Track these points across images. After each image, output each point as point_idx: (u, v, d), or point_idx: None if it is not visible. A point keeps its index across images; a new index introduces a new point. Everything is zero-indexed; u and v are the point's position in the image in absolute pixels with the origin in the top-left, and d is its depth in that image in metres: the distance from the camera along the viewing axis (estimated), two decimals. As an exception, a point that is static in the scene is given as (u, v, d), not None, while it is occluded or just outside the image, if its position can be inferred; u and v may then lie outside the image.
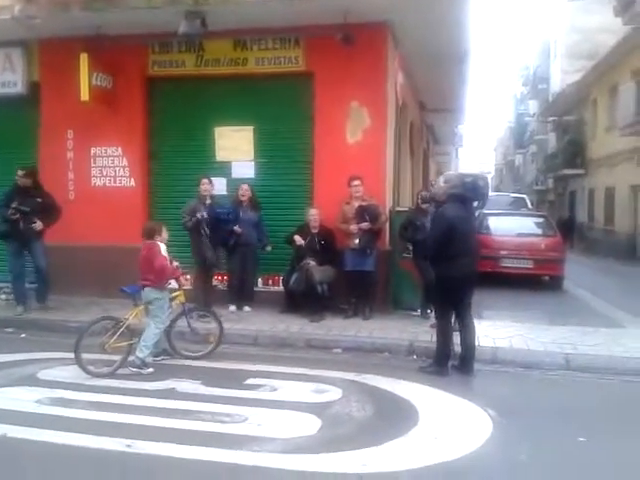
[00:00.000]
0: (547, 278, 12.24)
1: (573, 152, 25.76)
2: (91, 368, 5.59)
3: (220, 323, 6.39)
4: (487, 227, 12.54)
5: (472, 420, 4.64)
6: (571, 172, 26.16)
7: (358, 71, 8.05)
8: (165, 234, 6.09)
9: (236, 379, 5.57)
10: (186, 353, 6.26)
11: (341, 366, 6.06)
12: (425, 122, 17.34)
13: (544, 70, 34.78)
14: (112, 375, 5.60)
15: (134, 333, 5.83)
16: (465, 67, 11.30)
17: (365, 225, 7.64)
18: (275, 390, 5.28)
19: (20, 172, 7.88)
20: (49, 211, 7.88)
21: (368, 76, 8.06)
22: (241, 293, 8.25)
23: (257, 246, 8.19)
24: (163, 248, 5.96)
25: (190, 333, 6.32)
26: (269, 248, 8.24)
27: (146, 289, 5.89)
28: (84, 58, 8.11)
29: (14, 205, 7.64)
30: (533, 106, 40.75)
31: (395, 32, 8.42)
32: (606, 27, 22.95)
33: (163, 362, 6.09)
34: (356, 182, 7.77)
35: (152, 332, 5.84)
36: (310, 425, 4.47)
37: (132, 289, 5.97)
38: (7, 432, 4.25)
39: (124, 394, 5.15)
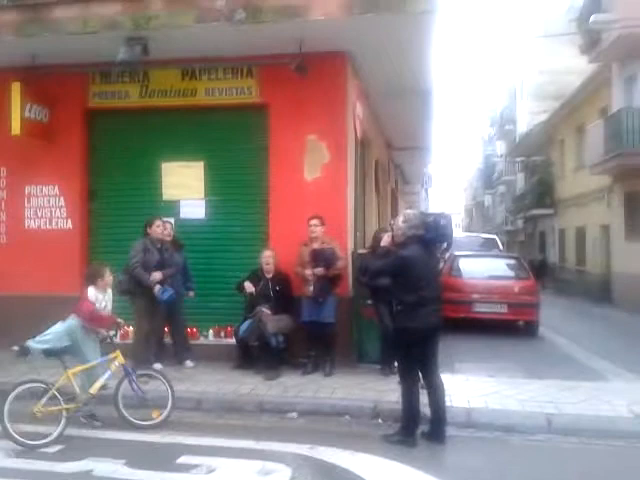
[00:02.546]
0: (522, 323, 11.62)
1: (542, 192, 25.68)
2: (23, 439, 4.81)
3: (170, 385, 5.58)
4: (458, 269, 11.92)
5: (443, 508, 3.86)
6: (540, 212, 26.03)
7: (315, 103, 7.47)
8: (108, 278, 5.61)
9: (167, 457, 4.70)
10: (137, 422, 5.40)
11: (295, 436, 5.24)
12: (393, 161, 16.95)
13: (511, 111, 35.16)
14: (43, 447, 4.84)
15: (66, 397, 5.12)
16: (430, 104, 10.89)
17: (319, 271, 6.92)
18: (211, 472, 4.42)
19: None
20: None
21: (326, 108, 7.48)
22: (178, 348, 7.42)
23: (184, 294, 7.43)
24: (91, 292, 5.49)
25: (137, 398, 5.48)
26: (192, 294, 7.54)
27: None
28: (16, 87, 7.36)
29: None
30: (501, 147, 41.11)
31: (354, 63, 7.89)
32: (572, 68, 23.19)
33: (85, 435, 5.20)
34: (313, 221, 7.08)
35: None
36: (247, 522, 3.63)
37: (59, 349, 5.28)
38: None
39: (30, 478, 4.25)
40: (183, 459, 4.64)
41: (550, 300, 17.70)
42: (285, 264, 7.30)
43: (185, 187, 7.92)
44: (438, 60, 8.91)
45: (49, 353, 5.30)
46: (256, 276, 7.26)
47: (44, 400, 5.02)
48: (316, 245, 7.12)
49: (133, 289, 6.76)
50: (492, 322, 11.14)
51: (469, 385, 6.71)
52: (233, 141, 7.91)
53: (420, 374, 5.20)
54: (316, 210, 7.25)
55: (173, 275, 7.10)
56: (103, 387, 5.35)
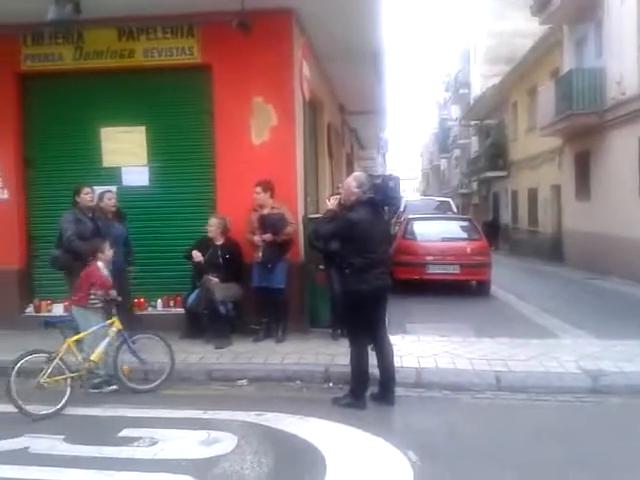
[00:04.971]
0: (474, 284, 11.78)
1: (495, 154, 25.93)
2: (30, 408, 4.83)
3: (170, 346, 5.72)
4: (412, 232, 11.95)
5: (389, 468, 3.84)
6: (494, 174, 26.34)
7: (260, 63, 7.19)
8: (108, 252, 5.70)
9: (109, 430, 4.56)
10: (135, 386, 5.51)
11: (244, 404, 5.17)
12: (347, 125, 16.76)
13: (465, 75, 35.23)
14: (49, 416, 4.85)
15: (70, 366, 5.15)
16: (381, 66, 10.72)
17: (267, 237, 6.77)
18: (154, 444, 4.29)
19: None
20: None
21: (272, 69, 7.22)
22: (124, 320, 7.15)
23: (126, 266, 7.02)
24: (101, 265, 5.62)
25: (138, 363, 5.59)
26: (131, 269, 7.16)
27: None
28: (-61, 51, 6.87)
29: None
30: (455, 111, 41.29)
31: (301, 21, 7.62)
32: (523, 31, 23.28)
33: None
34: (257, 188, 6.89)
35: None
36: (188, 493, 3.54)
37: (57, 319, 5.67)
38: None
39: (-43, 461, 4.04)
40: (125, 432, 4.51)
41: (503, 260, 18.07)
42: (234, 231, 7.13)
43: (126, 153, 7.58)
44: (388, 20, 8.76)
45: (48, 324, 5.45)
46: (204, 244, 7.06)
47: (49, 370, 4.98)
48: (265, 211, 6.95)
49: (70, 264, 6.42)
50: (445, 283, 11.26)
51: (419, 345, 6.74)
52: (176, 104, 7.57)
53: (369, 336, 5.17)
54: (265, 174, 7.06)
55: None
56: (104, 353, 5.39)
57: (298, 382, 5.77)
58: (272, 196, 7.01)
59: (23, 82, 7.75)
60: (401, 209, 15.46)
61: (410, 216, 12.74)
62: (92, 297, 5.51)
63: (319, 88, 9.77)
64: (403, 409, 5.05)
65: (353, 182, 5.19)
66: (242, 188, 7.16)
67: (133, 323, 7.17)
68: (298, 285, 7.22)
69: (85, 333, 5.40)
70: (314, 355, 6.34)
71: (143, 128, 7.58)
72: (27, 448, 4.26)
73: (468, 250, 11.42)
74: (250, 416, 4.81)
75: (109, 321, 5.47)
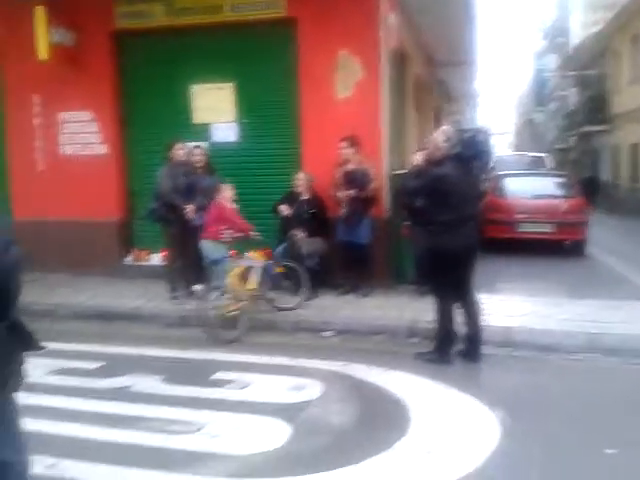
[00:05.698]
0: (568, 243, 11.25)
1: (595, 108, 24.27)
2: (219, 331, 5.65)
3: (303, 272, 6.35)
4: (502, 189, 11.51)
5: (475, 425, 3.82)
6: (593, 129, 24.72)
7: (346, 15, 7.04)
8: (227, 192, 6.21)
9: (204, 373, 4.82)
10: (279, 305, 6.30)
11: (329, 353, 5.28)
12: (436, 77, 16.19)
13: (563, 23, 32.94)
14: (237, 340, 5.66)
15: (238, 297, 5.86)
16: (471, 14, 10.21)
17: (351, 192, 6.74)
18: (245, 387, 4.50)
19: None
20: None
21: (358, 21, 7.05)
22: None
23: None
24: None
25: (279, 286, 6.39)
26: None
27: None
28: (40, 11, 7.21)
29: None
30: (553, 61, 38.85)
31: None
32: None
33: (126, 352, 5.38)
34: (343, 144, 6.84)
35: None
36: (277, 435, 3.69)
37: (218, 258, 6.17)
38: None
39: (68, 395, 4.41)
40: (218, 375, 4.75)
41: (601, 219, 17.06)
42: (319, 186, 7.15)
43: (215, 110, 7.73)
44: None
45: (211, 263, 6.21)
46: (291, 198, 7.16)
47: (224, 302, 5.77)
48: (349, 167, 6.92)
49: (166, 216, 6.73)
50: (538, 242, 10.83)
51: (508, 305, 6.58)
52: (261, 60, 7.60)
53: (455, 295, 5.09)
54: (349, 130, 6.99)
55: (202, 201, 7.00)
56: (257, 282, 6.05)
57: (383, 336, 5.81)
58: (357, 151, 6.95)
59: (117, 41, 8.01)
60: (491, 165, 14.91)
61: (501, 172, 12.26)
62: (223, 233, 6.10)
63: (406, 39, 9.47)
64: (490, 367, 4.97)
65: (440, 136, 5.03)
66: (326, 143, 7.14)
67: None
68: (383, 241, 7.19)
69: (239, 269, 6.02)
70: (399, 310, 6.34)
71: (231, 84, 7.69)
72: (129, 387, 4.58)
73: (563, 208, 10.88)
74: (336, 366, 4.91)
75: (252, 253, 6.25)
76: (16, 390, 2.12)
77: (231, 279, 5.90)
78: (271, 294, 6.35)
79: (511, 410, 3.97)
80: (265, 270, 6.18)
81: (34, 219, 7.90)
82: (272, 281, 6.28)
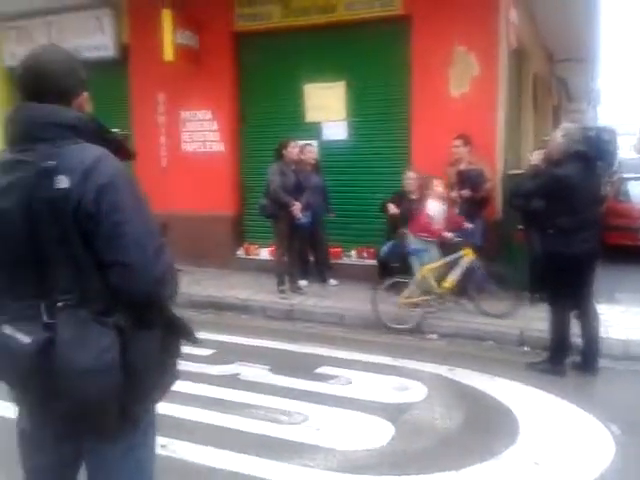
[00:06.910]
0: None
1: None
2: (389, 322, 5.89)
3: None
4: (626, 193, 10.76)
5: (587, 440, 3.62)
6: None
7: (464, 10, 6.85)
8: (436, 188, 6.23)
9: (308, 366, 4.92)
10: (487, 310, 6.07)
11: (433, 356, 5.20)
12: (555, 74, 15.44)
13: None
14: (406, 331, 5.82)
15: (424, 290, 5.97)
16: (595, 8, 9.61)
17: (465, 192, 6.58)
18: (349, 384, 4.55)
19: None
20: None
21: (476, 15, 6.84)
22: (320, 266, 7.58)
23: (324, 214, 7.44)
24: (432, 205, 6.20)
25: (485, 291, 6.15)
26: (332, 215, 7.52)
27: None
28: (167, 15, 7.66)
29: None
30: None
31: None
32: None
33: (235, 341, 5.61)
34: (456, 142, 6.69)
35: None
36: (380, 434, 3.69)
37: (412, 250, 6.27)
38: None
39: (181, 379, 4.64)
40: (323, 369, 4.82)
41: None
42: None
43: (327, 108, 7.82)
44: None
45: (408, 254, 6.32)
46: (399, 197, 7.11)
47: (406, 292, 5.94)
48: (462, 166, 6.76)
49: (275, 212, 6.92)
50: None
51: (629, 316, 6.14)
52: (374, 58, 7.59)
53: (572, 303, 4.83)
54: (463, 128, 6.82)
55: (310, 198, 7.13)
56: (455, 282, 6.01)
57: (490, 342, 5.64)
58: (471, 150, 6.78)
59: (237, 42, 8.31)
60: (615, 167, 13.99)
61: (624, 175, 11.47)
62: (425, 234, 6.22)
63: (526, 35, 9.09)
64: (606, 381, 4.69)
65: (561, 134, 4.79)
66: (438, 141, 7.00)
67: (327, 270, 7.59)
68: (494, 244, 6.95)
69: (438, 264, 6.03)
70: (508, 317, 6.11)
71: (343, 83, 7.75)
72: (238, 375, 4.77)
73: (694, 215, 9.99)
74: (440, 369, 4.84)
75: (462, 252, 5.98)
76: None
77: (423, 272, 5.97)
78: (475, 296, 6.18)
79: (627, 427, 3.73)
80: (472, 270, 6.03)
81: (157, 213, 8.39)
82: (478, 283, 6.09)
